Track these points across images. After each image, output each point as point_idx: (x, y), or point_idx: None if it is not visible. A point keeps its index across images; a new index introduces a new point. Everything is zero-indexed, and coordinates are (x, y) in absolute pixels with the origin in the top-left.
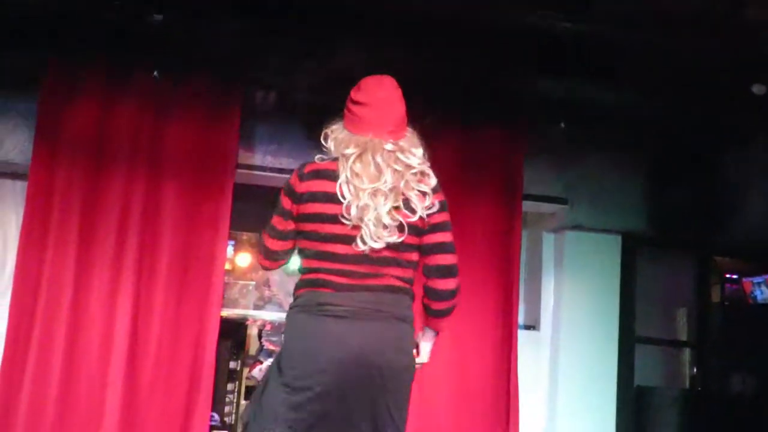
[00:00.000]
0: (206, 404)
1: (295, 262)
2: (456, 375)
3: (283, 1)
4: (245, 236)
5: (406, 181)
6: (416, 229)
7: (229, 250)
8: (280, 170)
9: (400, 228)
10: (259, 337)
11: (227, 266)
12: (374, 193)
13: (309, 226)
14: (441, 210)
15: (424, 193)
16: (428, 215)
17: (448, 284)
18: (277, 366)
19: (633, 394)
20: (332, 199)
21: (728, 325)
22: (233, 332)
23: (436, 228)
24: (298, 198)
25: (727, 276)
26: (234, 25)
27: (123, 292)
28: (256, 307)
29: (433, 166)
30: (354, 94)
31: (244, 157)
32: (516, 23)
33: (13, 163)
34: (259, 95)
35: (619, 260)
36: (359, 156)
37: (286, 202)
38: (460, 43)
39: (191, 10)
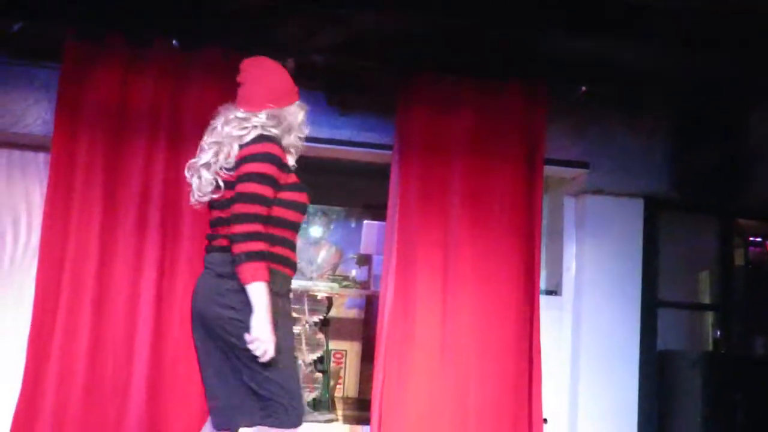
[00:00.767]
0: None
1: (315, 231)
2: (478, 340)
3: None
4: None
5: (225, 140)
6: (232, 185)
7: None
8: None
9: (217, 186)
10: None
11: None
12: (199, 150)
13: None
14: (245, 162)
15: (235, 150)
16: (234, 168)
17: (232, 229)
18: None
19: (655, 358)
20: None
21: (752, 287)
22: None
23: (237, 180)
24: None
25: (751, 239)
26: None
27: (147, 261)
28: None
29: (450, 131)
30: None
31: None
32: None
33: (35, 135)
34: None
35: (641, 224)
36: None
37: None
38: (475, 1)
39: None
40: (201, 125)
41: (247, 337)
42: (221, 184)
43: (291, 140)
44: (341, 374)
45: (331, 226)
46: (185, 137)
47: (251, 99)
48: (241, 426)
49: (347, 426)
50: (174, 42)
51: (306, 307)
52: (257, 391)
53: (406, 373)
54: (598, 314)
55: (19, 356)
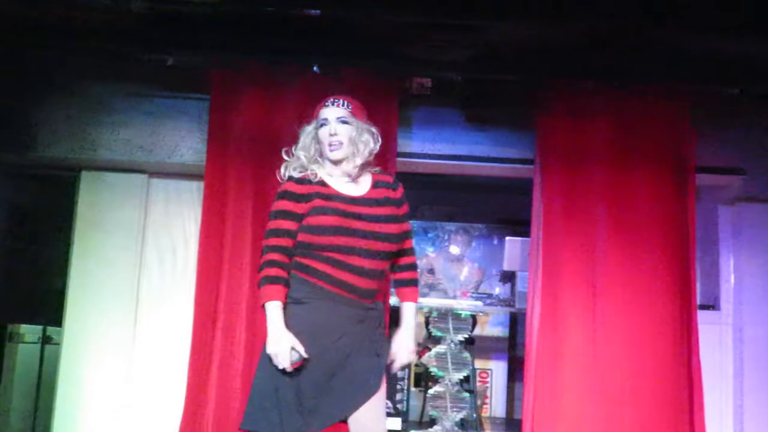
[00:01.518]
0: None
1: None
2: (633, 357)
3: None
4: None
5: None
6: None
7: None
8: (440, 156)
9: None
10: (426, 324)
11: None
12: None
13: None
14: None
15: None
16: None
17: None
18: None
19: None
20: None
21: None
22: None
23: None
24: None
25: None
26: (388, 15)
27: None
28: (422, 295)
29: (592, 141)
30: None
31: (402, 145)
32: None
33: (189, 164)
34: (415, 82)
35: None
36: None
37: None
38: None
39: (346, 3)
40: None
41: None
42: None
43: (305, 159)
44: (487, 394)
45: (473, 243)
46: None
47: None
48: None
49: None
50: (314, 68)
51: (450, 326)
52: None
53: (558, 392)
54: (764, 329)
55: (181, 374)
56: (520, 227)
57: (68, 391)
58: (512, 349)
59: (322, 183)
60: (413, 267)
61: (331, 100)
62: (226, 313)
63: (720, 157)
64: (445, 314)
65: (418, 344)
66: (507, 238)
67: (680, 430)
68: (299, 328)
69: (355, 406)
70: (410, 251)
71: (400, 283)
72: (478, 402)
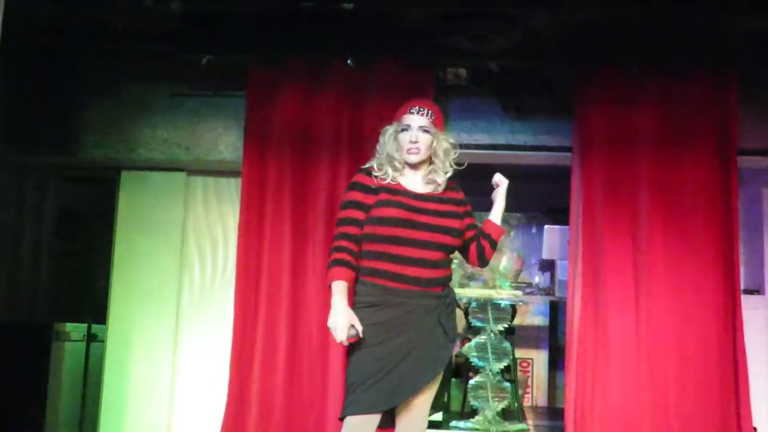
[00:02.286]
0: None
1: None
2: (677, 343)
3: None
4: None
5: None
6: None
7: None
8: (477, 146)
9: None
10: (466, 314)
11: None
12: None
13: None
14: None
15: None
16: None
17: None
18: None
19: None
20: None
21: None
22: None
23: None
24: None
25: None
26: (421, 6)
27: None
28: (461, 285)
29: (632, 126)
30: None
31: None
32: None
33: (227, 161)
34: (450, 72)
35: None
36: None
37: None
38: None
39: None
40: None
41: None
42: None
43: (383, 159)
44: (528, 383)
45: (512, 233)
46: (366, 153)
47: None
48: None
49: None
50: (348, 61)
51: (490, 316)
52: None
53: (601, 380)
54: None
55: (223, 370)
56: (561, 215)
57: (114, 387)
58: (553, 338)
59: (393, 179)
60: (488, 238)
61: (417, 108)
62: (266, 308)
63: (763, 139)
64: (484, 304)
65: (459, 335)
66: (546, 226)
67: (726, 415)
68: (373, 322)
69: (419, 387)
70: (480, 233)
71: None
72: (520, 391)
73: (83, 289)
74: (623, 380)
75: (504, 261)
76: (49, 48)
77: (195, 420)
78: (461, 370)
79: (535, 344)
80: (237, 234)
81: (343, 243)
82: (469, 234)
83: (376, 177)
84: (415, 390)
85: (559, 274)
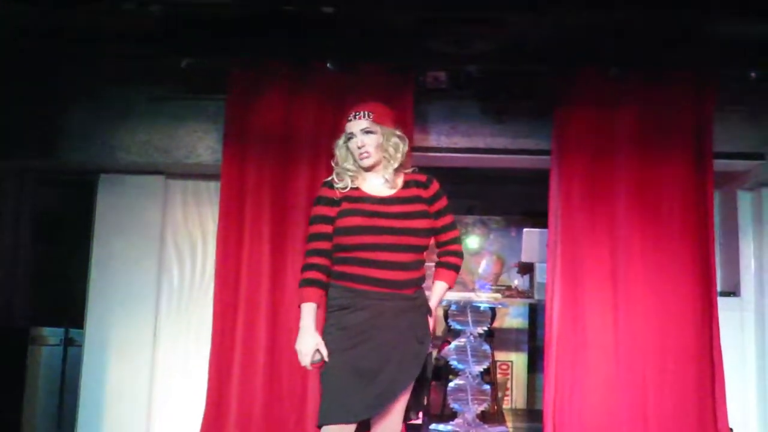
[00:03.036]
0: None
1: (475, 241)
2: (655, 345)
3: None
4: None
5: None
6: None
7: None
8: (455, 149)
9: None
10: (446, 318)
11: None
12: None
13: None
14: None
15: None
16: None
17: None
18: None
19: None
20: None
21: None
22: None
23: None
24: None
25: None
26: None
27: None
28: None
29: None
30: None
31: (418, 140)
32: None
33: (206, 165)
34: (430, 76)
35: None
36: None
37: None
38: None
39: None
40: None
41: None
42: None
43: (340, 170)
44: (507, 385)
45: (491, 236)
46: None
47: None
48: None
49: None
50: (328, 65)
51: (470, 319)
52: None
53: (579, 381)
54: None
55: (202, 373)
56: (540, 218)
57: (91, 391)
58: (532, 340)
59: (355, 187)
60: (456, 254)
61: (353, 113)
62: (245, 311)
63: (739, 143)
64: (464, 307)
65: (439, 338)
66: (525, 229)
67: (703, 416)
68: (344, 325)
69: (397, 394)
70: (453, 241)
71: (439, 265)
72: (499, 394)
73: (61, 292)
74: (601, 382)
75: (483, 264)
76: (28, 51)
77: (174, 424)
78: (441, 372)
79: (514, 347)
80: (216, 237)
81: (314, 260)
82: (444, 238)
83: (337, 188)
84: (391, 399)
85: (538, 277)
